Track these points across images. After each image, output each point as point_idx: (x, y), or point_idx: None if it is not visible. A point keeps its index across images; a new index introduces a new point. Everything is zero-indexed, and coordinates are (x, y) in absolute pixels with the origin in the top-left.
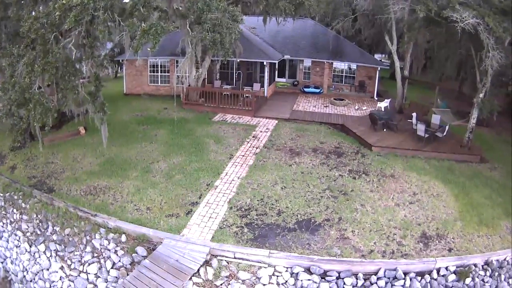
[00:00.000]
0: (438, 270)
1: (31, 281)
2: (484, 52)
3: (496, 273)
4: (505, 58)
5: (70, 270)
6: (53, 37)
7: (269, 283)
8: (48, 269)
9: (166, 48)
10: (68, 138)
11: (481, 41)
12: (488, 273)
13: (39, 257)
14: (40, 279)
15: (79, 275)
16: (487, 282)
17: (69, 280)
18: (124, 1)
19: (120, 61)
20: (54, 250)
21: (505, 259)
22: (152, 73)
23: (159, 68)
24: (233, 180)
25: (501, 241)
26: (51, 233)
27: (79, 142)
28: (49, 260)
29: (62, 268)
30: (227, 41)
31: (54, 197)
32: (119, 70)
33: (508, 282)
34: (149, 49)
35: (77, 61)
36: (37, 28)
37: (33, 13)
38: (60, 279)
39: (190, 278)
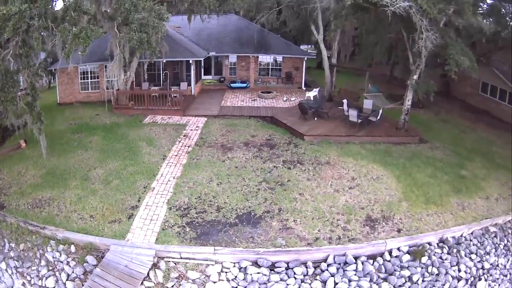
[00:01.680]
0: (390, 252)
1: None
2: (417, 34)
3: (455, 250)
4: (440, 38)
5: (31, 285)
6: None
7: (219, 280)
8: (12, 287)
9: (95, 54)
10: (10, 152)
11: (413, 23)
12: (445, 251)
13: (3, 275)
14: None
15: None
16: (445, 259)
17: None
18: (56, 9)
19: (53, 70)
20: (14, 267)
21: (461, 236)
22: (82, 80)
23: (89, 75)
24: (169, 180)
25: (454, 218)
26: (8, 249)
27: (21, 155)
28: (11, 278)
29: (24, 284)
30: (154, 40)
31: (6, 213)
32: (52, 80)
33: (470, 258)
34: (80, 52)
35: (15, 73)
36: None
37: None
38: None
39: (142, 283)
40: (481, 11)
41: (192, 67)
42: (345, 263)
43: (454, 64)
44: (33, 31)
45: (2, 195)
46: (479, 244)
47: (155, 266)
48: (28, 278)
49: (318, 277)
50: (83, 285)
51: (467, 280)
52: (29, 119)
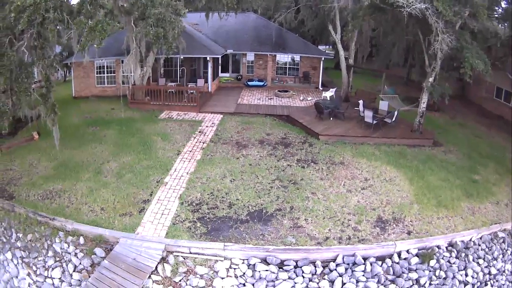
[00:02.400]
0: (399, 254)
1: None
2: (432, 36)
3: (463, 254)
4: (455, 41)
5: (37, 276)
6: (8, 40)
7: (227, 276)
8: (17, 277)
9: (112, 49)
10: (23, 143)
11: (430, 25)
12: (454, 254)
13: (8, 265)
14: (12, 287)
15: (45, 281)
16: (453, 263)
17: (37, 286)
18: (72, 3)
19: (69, 64)
20: (20, 257)
21: (470, 240)
22: (98, 75)
23: (105, 69)
24: (182, 175)
25: (464, 222)
26: (15, 240)
27: (34, 147)
28: (16, 268)
29: (29, 274)
30: (170, 36)
31: (15, 203)
32: (67, 74)
33: (478, 263)
34: (95, 45)
35: (29, 65)
36: None
37: None
38: (29, 286)
39: (149, 276)
40: (496, 15)
41: (210, 64)
42: (354, 263)
43: (469, 67)
44: (48, 23)
45: (12, 186)
46: (487, 249)
47: (163, 260)
48: (34, 268)
49: (326, 277)
50: (89, 277)
51: (473, 285)
52: (43, 110)
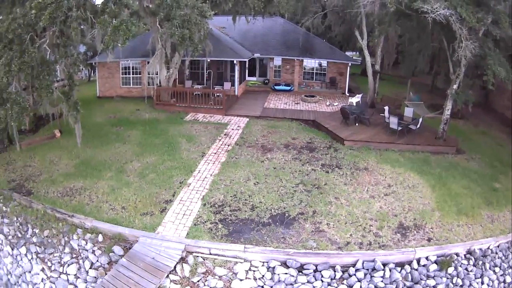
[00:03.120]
0: (418, 260)
1: (15, 284)
2: (456, 42)
3: (480, 262)
4: (479, 48)
5: (51, 271)
6: (29, 37)
7: (246, 278)
8: (30, 272)
9: (137, 50)
10: (44, 141)
11: (454, 32)
12: (471, 262)
13: (21, 259)
14: (23, 281)
15: (59, 277)
16: (471, 271)
17: (50, 281)
18: (95, 3)
19: (93, 64)
20: (35, 252)
21: (488, 248)
22: (124, 75)
23: (131, 70)
24: (206, 177)
25: (483, 230)
26: (31, 235)
27: (55, 145)
28: (30, 263)
29: (43, 270)
30: (196, 37)
31: (33, 199)
32: (92, 74)
33: (494, 271)
34: (119, 44)
35: (51, 63)
36: (14, 29)
37: (11, 14)
38: (42, 281)
39: (167, 276)
40: None
41: (236, 68)
42: (373, 269)
43: (492, 74)
44: (71, 21)
45: (30, 182)
46: (503, 258)
47: (182, 260)
48: (49, 264)
49: (345, 281)
50: (106, 274)
51: None
52: (65, 107)
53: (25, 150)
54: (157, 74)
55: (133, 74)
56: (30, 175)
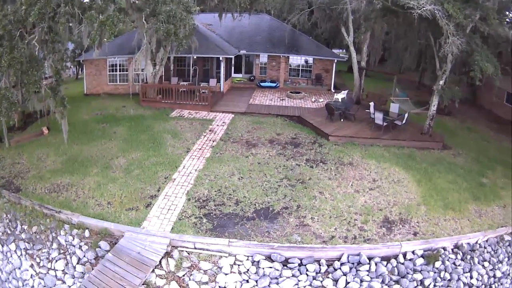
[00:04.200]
0: (404, 254)
1: (5, 281)
2: (443, 38)
3: (469, 256)
4: (466, 44)
5: (40, 267)
6: (18, 33)
7: (231, 272)
8: (19, 268)
9: (124, 47)
10: (32, 138)
11: (440, 28)
12: (459, 257)
13: (11, 256)
14: (14, 278)
15: (48, 272)
16: (459, 265)
17: (39, 277)
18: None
19: (81, 61)
20: (24, 248)
21: (476, 242)
22: (111, 72)
23: (118, 67)
24: (190, 172)
25: (471, 224)
26: (20, 232)
27: (43, 142)
28: (20, 259)
29: (32, 266)
30: (181, 32)
31: (21, 196)
32: (80, 71)
33: (483, 265)
34: (105, 39)
35: (40, 59)
36: (4, 25)
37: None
38: (31, 277)
39: (153, 270)
40: (508, 21)
41: (222, 64)
42: (359, 263)
43: (479, 70)
44: (59, 17)
45: (19, 179)
46: (492, 252)
47: (168, 254)
48: (38, 260)
49: (330, 275)
50: (93, 269)
51: (478, 287)
52: (52, 103)
53: (14, 148)
54: (143, 71)
55: (120, 71)
56: (18, 172)
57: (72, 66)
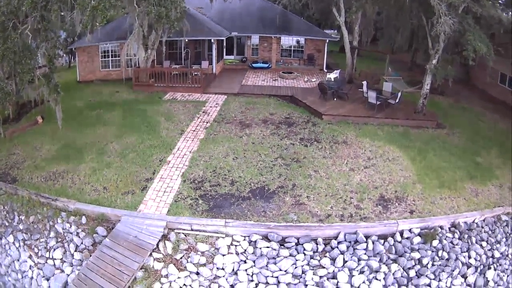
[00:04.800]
0: (401, 233)
1: (5, 274)
2: (435, 18)
3: (466, 235)
4: (458, 24)
5: (38, 257)
6: (11, 24)
7: (228, 253)
8: (18, 260)
9: (116, 33)
10: (27, 128)
11: (432, 7)
12: (456, 236)
13: (9, 248)
14: (13, 271)
15: (46, 262)
16: (456, 244)
17: (38, 268)
18: None
19: (73, 49)
20: (22, 239)
21: (473, 221)
22: (103, 59)
23: (110, 53)
24: (185, 154)
25: (467, 203)
26: (17, 222)
27: (38, 131)
28: (18, 251)
29: (30, 256)
30: (173, 15)
31: (18, 186)
32: (72, 60)
33: (481, 245)
34: (97, 23)
35: (33, 48)
36: None
37: None
38: (30, 268)
39: (150, 254)
40: (500, 2)
41: (214, 46)
42: (356, 241)
43: (472, 49)
44: (51, 4)
45: (15, 170)
46: (490, 232)
47: (165, 237)
48: (36, 250)
49: (327, 254)
50: (91, 256)
51: (476, 268)
52: (45, 90)
53: (9, 139)
54: (135, 55)
55: (112, 57)
56: (14, 162)
57: (64, 55)
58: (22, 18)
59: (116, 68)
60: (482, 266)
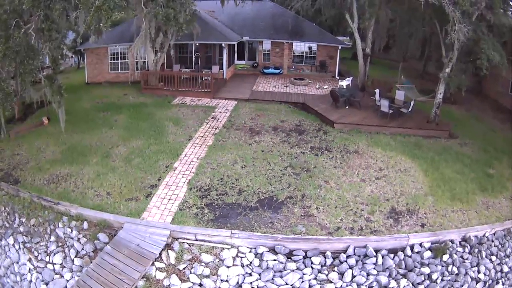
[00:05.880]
0: (412, 247)
1: (4, 276)
2: (449, 25)
3: (476, 250)
4: (472, 32)
5: (37, 261)
6: (14, 23)
7: (233, 265)
8: (18, 262)
9: (125, 35)
10: (32, 129)
11: (446, 15)
12: (467, 250)
13: (9, 250)
14: (12, 273)
15: (46, 266)
16: (466, 259)
17: (37, 272)
18: None
19: (82, 50)
20: (22, 242)
21: (484, 235)
22: (112, 61)
23: (119, 56)
24: (192, 161)
25: (478, 216)
26: (18, 224)
27: (43, 132)
28: (18, 253)
29: (30, 260)
30: (182, 17)
31: (20, 188)
32: (81, 61)
33: (490, 259)
34: (101, 24)
35: (37, 48)
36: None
37: None
38: (29, 272)
39: (153, 263)
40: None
41: (225, 51)
42: (365, 255)
43: (486, 58)
44: (55, 3)
45: (18, 171)
46: (500, 246)
47: (168, 246)
48: (36, 253)
49: (336, 268)
50: (91, 262)
51: (485, 282)
52: (48, 92)
53: (14, 139)
54: (142, 58)
55: (121, 59)
56: (17, 163)
57: (73, 56)
58: (27, 18)
59: (125, 71)
60: (490, 281)
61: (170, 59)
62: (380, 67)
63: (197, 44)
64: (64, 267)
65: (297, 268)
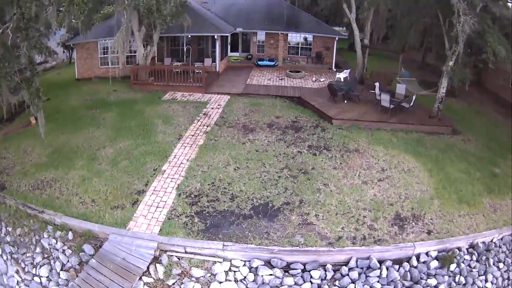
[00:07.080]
0: (417, 256)
1: None
2: (454, 17)
3: (484, 257)
4: (477, 24)
5: (25, 273)
6: None
7: (226, 280)
8: (6, 274)
9: (115, 30)
10: (20, 129)
11: (451, 6)
12: (474, 258)
13: None
14: (1, 284)
15: (33, 279)
16: (474, 267)
17: (25, 284)
18: None
19: (71, 45)
20: (9, 252)
21: (491, 241)
22: (102, 56)
23: (109, 50)
24: (182, 163)
25: (485, 220)
26: (5, 234)
27: (30, 132)
28: (6, 264)
29: (17, 272)
30: (167, 9)
31: (6, 194)
32: (73, 55)
33: (498, 267)
34: (73, 20)
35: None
36: None
37: None
38: (17, 284)
39: (140, 278)
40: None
41: (218, 43)
42: (368, 267)
43: (491, 52)
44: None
45: (4, 175)
46: (507, 252)
47: (156, 260)
48: (23, 265)
49: (337, 282)
50: (77, 277)
51: None
52: (26, 95)
53: (2, 141)
54: (121, 52)
55: (111, 54)
56: (4, 167)
57: (65, 51)
58: (8, 19)
59: (116, 66)
60: None
61: (161, 53)
62: (378, 58)
63: (189, 36)
64: (51, 280)
65: (295, 283)
